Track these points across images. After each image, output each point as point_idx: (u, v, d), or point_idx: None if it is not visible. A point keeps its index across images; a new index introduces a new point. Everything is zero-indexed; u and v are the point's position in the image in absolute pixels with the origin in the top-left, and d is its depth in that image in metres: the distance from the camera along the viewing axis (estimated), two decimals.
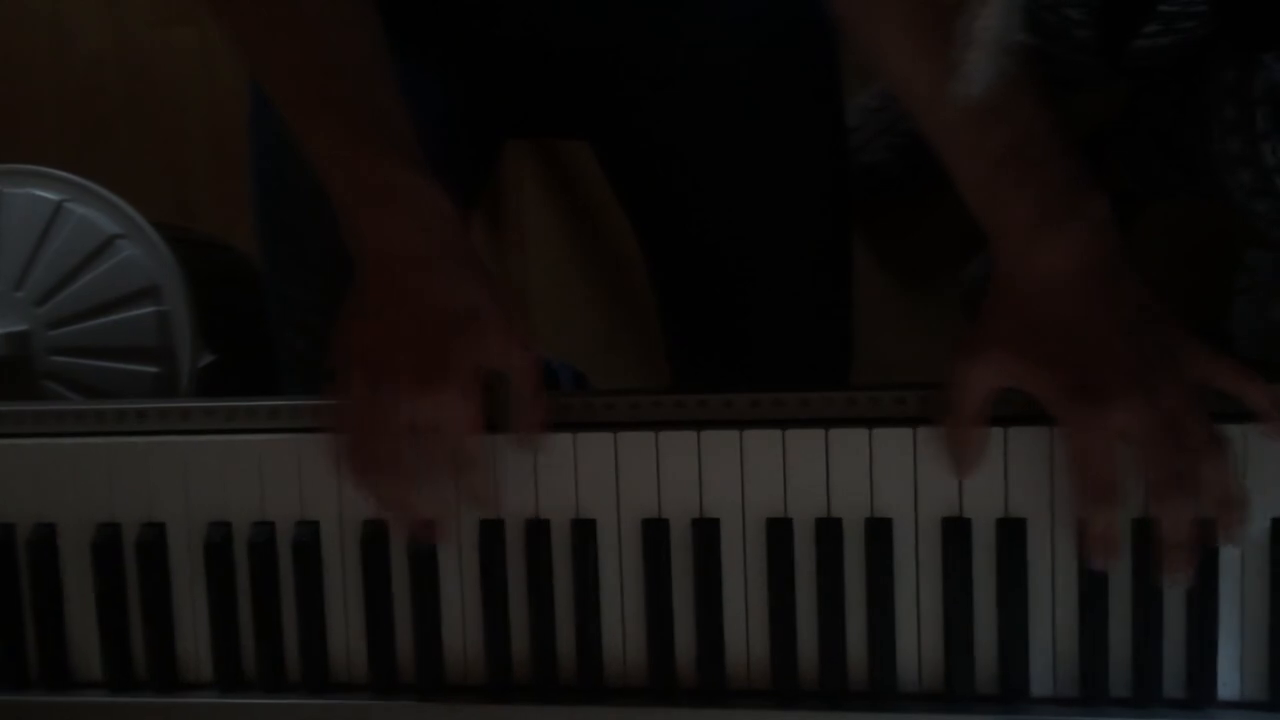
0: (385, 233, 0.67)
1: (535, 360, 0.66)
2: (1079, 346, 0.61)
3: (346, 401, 0.66)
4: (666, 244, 0.92)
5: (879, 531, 0.66)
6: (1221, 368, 0.62)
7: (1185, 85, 0.81)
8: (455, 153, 0.86)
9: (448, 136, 0.85)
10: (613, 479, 0.68)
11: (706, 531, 0.67)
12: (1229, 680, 0.64)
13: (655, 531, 0.67)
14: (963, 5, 0.60)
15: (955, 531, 0.65)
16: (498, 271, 1.26)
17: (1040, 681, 0.65)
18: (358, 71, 0.69)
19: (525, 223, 1.27)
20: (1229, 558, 0.64)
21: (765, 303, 0.88)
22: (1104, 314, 0.61)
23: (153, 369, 0.99)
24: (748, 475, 0.67)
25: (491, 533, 0.68)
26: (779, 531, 0.66)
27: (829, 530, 0.66)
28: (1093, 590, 0.64)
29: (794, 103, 0.87)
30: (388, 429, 0.64)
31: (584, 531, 0.68)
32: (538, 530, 0.68)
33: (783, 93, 0.86)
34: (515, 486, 0.68)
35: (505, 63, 0.86)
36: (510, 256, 1.27)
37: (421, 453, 0.65)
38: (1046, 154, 0.62)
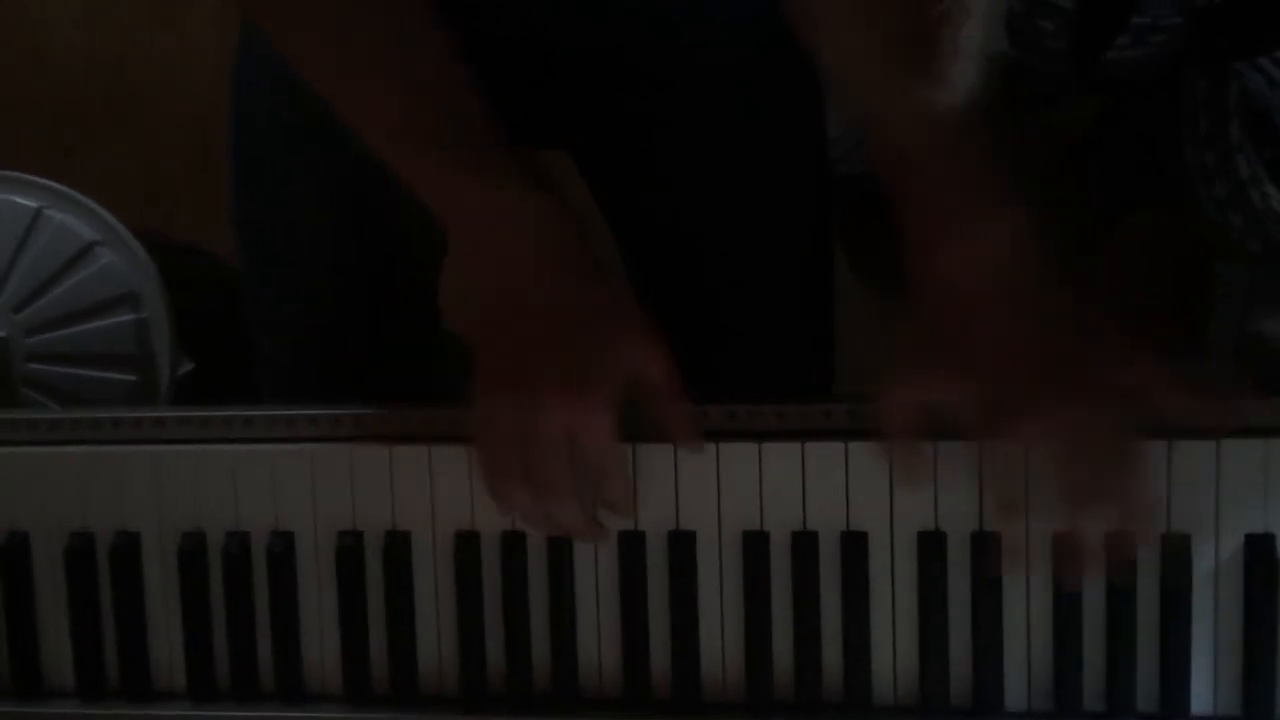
0: (506, 254, 0.66)
1: (672, 363, 0.65)
2: (993, 358, 0.61)
3: (490, 417, 0.65)
4: (650, 250, 0.92)
5: (854, 545, 0.66)
6: (1150, 377, 0.61)
7: (1161, 97, 0.82)
8: None
9: None
10: None
11: (682, 544, 0.67)
12: (1202, 694, 0.64)
13: (632, 543, 0.67)
14: (946, 17, 0.61)
15: (930, 545, 0.65)
16: None
17: (1014, 694, 0.65)
18: (450, 97, 0.68)
19: None
20: (1203, 573, 0.64)
21: (751, 311, 0.88)
22: (1018, 323, 0.61)
23: (131, 376, 0.99)
24: (724, 488, 0.67)
25: (467, 544, 0.68)
26: (755, 544, 0.66)
27: (805, 543, 0.66)
28: (1067, 604, 0.64)
29: (792, 104, 0.87)
30: (537, 441, 0.63)
31: (560, 543, 0.68)
32: (513, 542, 0.68)
33: (781, 94, 0.86)
34: (490, 499, 0.68)
35: (497, 67, 0.86)
36: None
37: (563, 463, 0.64)
38: (968, 159, 0.62)
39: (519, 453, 0.64)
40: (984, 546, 0.65)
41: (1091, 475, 0.60)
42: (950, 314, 0.62)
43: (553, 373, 0.64)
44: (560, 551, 0.67)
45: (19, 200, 0.99)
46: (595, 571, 0.68)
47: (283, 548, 0.69)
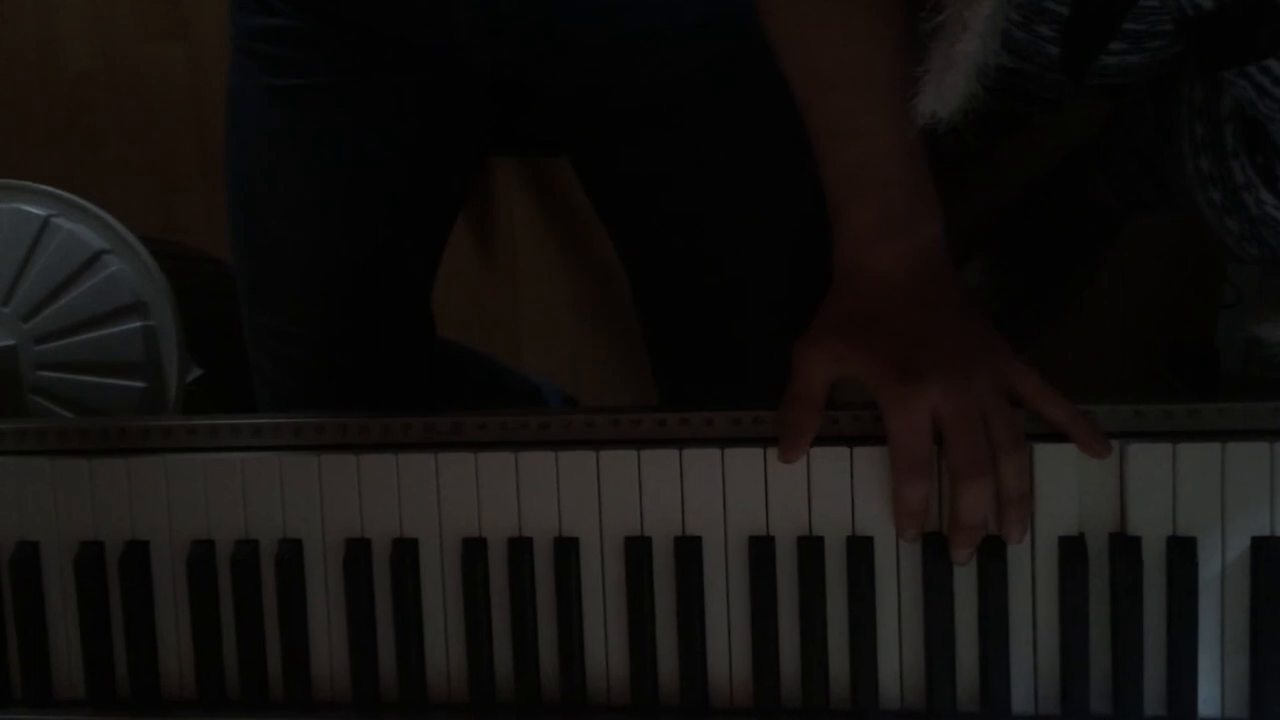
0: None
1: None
2: (902, 335, 0.65)
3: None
4: (650, 261, 0.92)
5: (860, 549, 0.66)
6: (1029, 381, 0.65)
7: (1159, 103, 0.81)
8: (433, 165, 0.87)
9: (425, 149, 0.86)
10: (595, 497, 0.68)
11: (689, 550, 0.67)
12: (1209, 697, 0.64)
13: (637, 549, 0.67)
14: (940, 29, 0.61)
15: (936, 548, 0.65)
16: (485, 291, 1.27)
17: (1021, 698, 0.66)
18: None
19: (515, 241, 1.27)
20: (1209, 575, 0.64)
21: (750, 319, 0.88)
22: (927, 311, 0.66)
23: (140, 384, 0.99)
24: (729, 493, 0.67)
25: (474, 550, 0.68)
26: (761, 549, 0.67)
27: (811, 548, 0.66)
28: (1074, 607, 0.64)
29: (777, 116, 0.87)
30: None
31: (566, 549, 0.68)
32: (520, 548, 0.68)
33: (766, 108, 0.86)
34: (497, 504, 0.68)
35: (481, 89, 0.87)
36: (499, 275, 1.27)
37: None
38: (891, 176, 0.66)
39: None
40: (990, 552, 0.65)
41: (978, 446, 0.64)
42: (873, 297, 0.66)
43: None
44: (566, 558, 0.68)
45: (27, 209, 0.99)
46: (602, 578, 0.68)
47: (291, 555, 0.69)
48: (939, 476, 0.65)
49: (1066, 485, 0.65)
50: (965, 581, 0.65)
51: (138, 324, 0.99)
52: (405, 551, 0.69)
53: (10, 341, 0.98)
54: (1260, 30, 0.63)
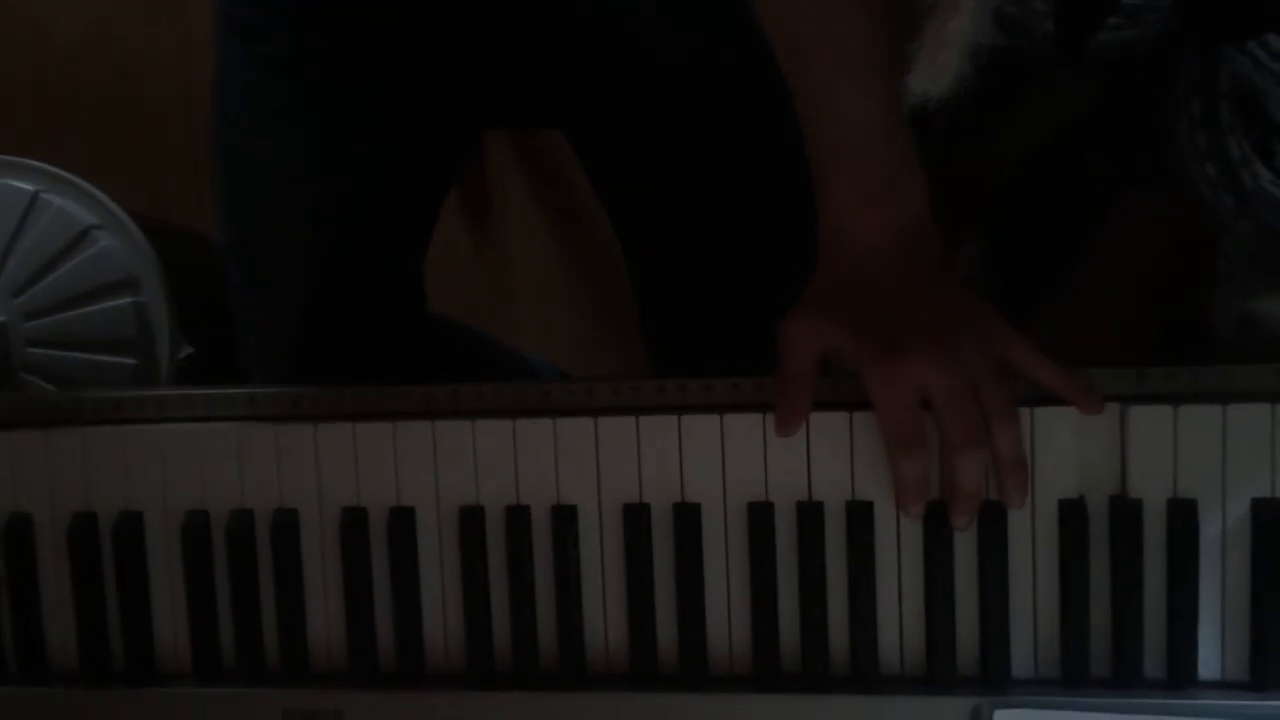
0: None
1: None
2: (886, 309, 0.65)
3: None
4: (642, 232, 0.92)
5: (860, 514, 0.66)
6: (1019, 347, 0.65)
7: (1155, 79, 0.81)
8: (423, 137, 0.86)
9: (415, 120, 0.85)
10: (593, 464, 0.68)
11: (688, 516, 0.67)
12: (1210, 660, 0.64)
13: (636, 517, 0.67)
14: (933, 6, 0.61)
15: (936, 514, 0.65)
16: (480, 270, 1.26)
17: (1021, 663, 0.65)
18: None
19: (509, 218, 1.26)
20: (1209, 537, 0.64)
21: (741, 290, 0.88)
22: (911, 284, 0.66)
23: (131, 361, 0.98)
24: (728, 460, 0.67)
25: (472, 519, 0.68)
26: (760, 515, 0.66)
27: (810, 514, 0.66)
28: (1074, 570, 0.64)
29: (764, 87, 0.87)
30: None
31: (565, 517, 0.68)
32: (518, 516, 0.68)
33: (753, 79, 0.86)
34: (495, 472, 0.68)
35: (469, 60, 0.86)
36: (493, 254, 1.27)
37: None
38: (873, 150, 0.66)
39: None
40: (990, 516, 0.65)
41: (970, 416, 0.63)
42: (854, 270, 0.66)
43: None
44: (565, 525, 0.67)
45: (16, 184, 0.98)
46: (600, 545, 0.68)
47: (287, 525, 0.69)
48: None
49: (1066, 449, 0.65)
50: (965, 545, 0.65)
51: (128, 300, 0.98)
52: (402, 520, 0.68)
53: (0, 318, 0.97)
54: (1260, 5, 0.63)
